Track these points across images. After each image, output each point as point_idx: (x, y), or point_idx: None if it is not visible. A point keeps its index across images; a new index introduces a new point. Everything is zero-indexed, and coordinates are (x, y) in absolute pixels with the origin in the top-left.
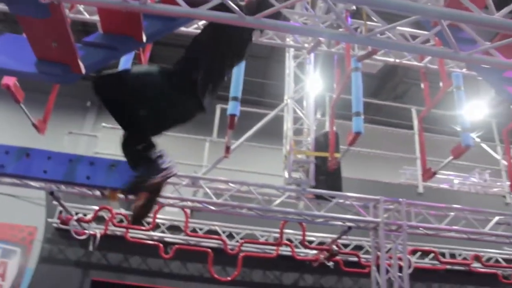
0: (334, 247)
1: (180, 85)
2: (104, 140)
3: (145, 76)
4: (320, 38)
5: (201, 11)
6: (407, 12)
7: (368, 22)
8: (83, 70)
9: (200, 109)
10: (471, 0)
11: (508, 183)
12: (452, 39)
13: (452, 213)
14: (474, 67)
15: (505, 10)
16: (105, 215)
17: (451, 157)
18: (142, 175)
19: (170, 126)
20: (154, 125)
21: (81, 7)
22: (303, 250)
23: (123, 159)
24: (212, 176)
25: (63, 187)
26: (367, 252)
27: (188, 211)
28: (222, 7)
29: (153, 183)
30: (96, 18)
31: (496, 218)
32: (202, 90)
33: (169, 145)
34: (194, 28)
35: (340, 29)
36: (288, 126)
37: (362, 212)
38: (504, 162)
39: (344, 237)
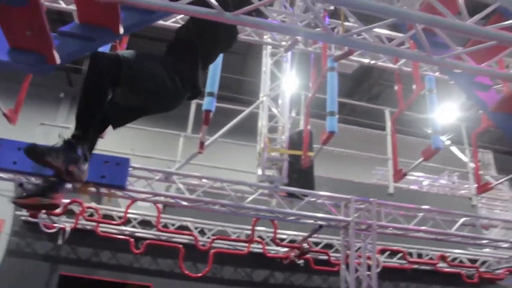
0: (305, 245)
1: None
2: None
3: (143, 63)
4: (298, 37)
5: (180, 5)
6: (383, 15)
7: (345, 23)
8: (58, 60)
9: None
10: (445, 6)
11: (475, 185)
12: (426, 43)
13: (421, 214)
14: (447, 71)
15: (477, 17)
16: (76, 208)
17: (421, 159)
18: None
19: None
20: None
21: None
22: (274, 247)
23: (96, 151)
24: (185, 171)
25: (33, 179)
26: (337, 251)
27: (160, 206)
28: (202, 2)
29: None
30: (72, 7)
31: (462, 220)
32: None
33: (143, 139)
34: (172, 22)
35: (318, 29)
36: (263, 123)
37: (333, 211)
38: (472, 165)
39: (315, 235)
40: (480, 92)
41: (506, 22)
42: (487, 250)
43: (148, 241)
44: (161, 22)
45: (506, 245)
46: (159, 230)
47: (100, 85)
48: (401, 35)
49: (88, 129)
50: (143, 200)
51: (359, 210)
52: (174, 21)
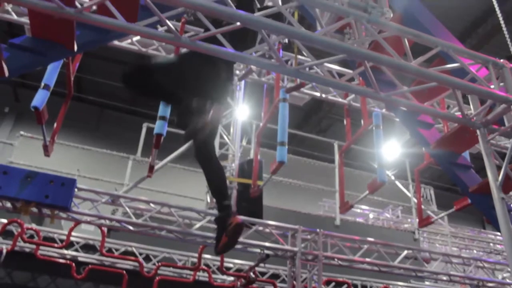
0: (252, 274)
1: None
2: (21, 149)
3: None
4: (252, 67)
5: (137, 27)
6: (335, 51)
7: (298, 56)
8: (7, 73)
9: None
10: (393, 47)
11: (417, 220)
12: (373, 80)
13: (366, 246)
14: (393, 108)
15: (420, 59)
16: (15, 229)
17: (367, 192)
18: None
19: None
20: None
21: (9, 7)
22: (220, 276)
23: (40, 170)
24: (133, 195)
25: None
26: (283, 281)
27: (105, 230)
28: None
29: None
30: (24, 20)
31: (405, 252)
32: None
33: (91, 160)
34: (128, 43)
35: (272, 60)
36: None
37: (280, 240)
38: (415, 200)
39: (262, 264)
40: (423, 130)
41: (446, 66)
42: (427, 283)
43: (90, 266)
44: (116, 42)
45: (445, 278)
46: (103, 254)
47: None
48: (350, 71)
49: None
50: (88, 223)
51: (306, 240)
52: (130, 43)
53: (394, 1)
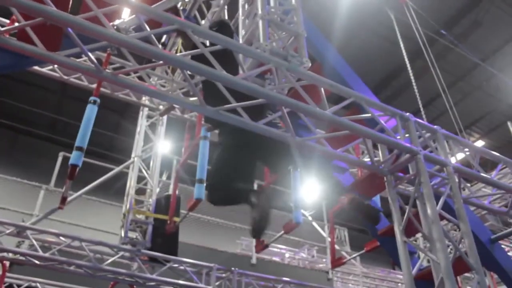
0: None
1: None
2: None
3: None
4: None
5: (57, 57)
6: (255, 95)
7: None
8: None
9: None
10: (310, 94)
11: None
12: (290, 125)
13: (280, 285)
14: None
15: (335, 107)
16: None
17: (282, 232)
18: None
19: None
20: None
21: None
22: None
23: None
24: (43, 227)
25: None
26: None
27: (7, 263)
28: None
29: None
30: None
31: None
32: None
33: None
34: (49, 70)
35: (194, 98)
36: (131, 184)
37: (194, 278)
38: (329, 240)
39: None
40: (337, 174)
41: (359, 116)
42: None
43: None
44: (37, 67)
45: None
46: None
47: None
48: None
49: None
50: None
51: (220, 279)
52: (51, 69)
53: (317, 52)
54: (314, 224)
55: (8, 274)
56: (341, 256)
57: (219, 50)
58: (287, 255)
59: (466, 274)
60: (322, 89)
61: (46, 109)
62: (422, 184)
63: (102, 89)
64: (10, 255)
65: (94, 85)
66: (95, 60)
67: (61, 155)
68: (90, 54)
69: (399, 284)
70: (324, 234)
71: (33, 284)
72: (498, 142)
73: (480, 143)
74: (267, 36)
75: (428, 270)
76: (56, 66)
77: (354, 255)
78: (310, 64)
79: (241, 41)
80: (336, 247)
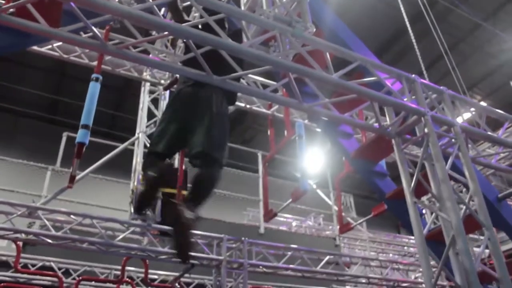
0: (177, 285)
1: None
2: None
3: None
4: (177, 76)
5: (61, 32)
6: (261, 62)
7: None
8: None
9: None
10: (315, 60)
11: (338, 226)
12: (297, 91)
13: (289, 253)
14: (315, 119)
15: (341, 72)
16: None
17: (290, 200)
18: None
19: None
20: None
21: None
22: None
23: None
24: (52, 207)
25: None
26: None
27: (20, 244)
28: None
29: None
30: None
31: (327, 258)
32: None
33: (6, 170)
34: (48, 49)
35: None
36: (137, 160)
37: (205, 249)
38: (335, 208)
39: (187, 275)
40: (343, 140)
41: (365, 79)
42: (348, 286)
43: (3, 284)
44: (35, 47)
45: (364, 280)
46: (18, 271)
47: None
48: (274, 83)
49: None
50: (1, 237)
51: (231, 249)
52: (50, 48)
53: (318, 18)
54: (320, 192)
55: (22, 255)
56: (348, 222)
57: (209, 51)
58: (294, 223)
59: (472, 236)
60: (327, 54)
61: (45, 90)
62: (431, 145)
63: (102, 66)
64: (23, 235)
65: (94, 63)
66: (99, 35)
67: (65, 135)
68: (94, 28)
69: (405, 247)
70: (330, 202)
71: (47, 263)
72: (501, 103)
73: (482, 104)
74: (270, 2)
75: (437, 230)
76: (55, 45)
77: (361, 220)
78: (314, 29)
79: (243, 8)
80: (342, 213)
